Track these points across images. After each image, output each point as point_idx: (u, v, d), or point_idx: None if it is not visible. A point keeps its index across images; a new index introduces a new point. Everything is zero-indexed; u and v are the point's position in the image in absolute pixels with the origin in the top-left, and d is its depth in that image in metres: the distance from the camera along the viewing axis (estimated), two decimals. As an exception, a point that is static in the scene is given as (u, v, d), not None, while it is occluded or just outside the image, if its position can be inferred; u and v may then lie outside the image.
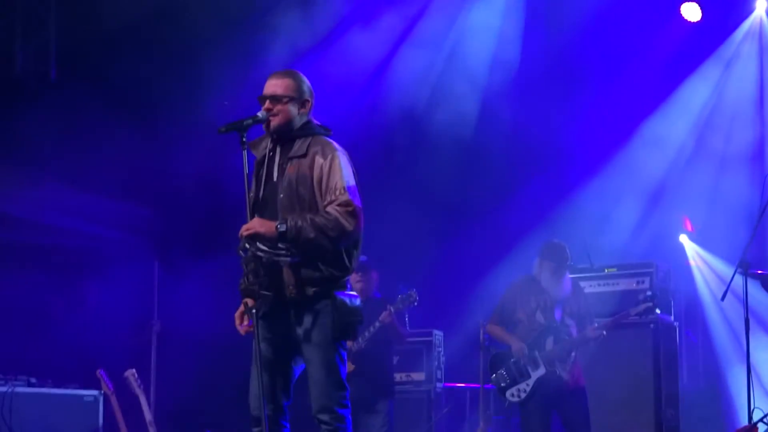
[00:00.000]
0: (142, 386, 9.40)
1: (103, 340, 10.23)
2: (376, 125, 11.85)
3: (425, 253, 12.42)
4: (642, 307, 8.78)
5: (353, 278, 9.05)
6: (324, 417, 5.64)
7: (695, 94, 12.28)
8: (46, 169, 10.48)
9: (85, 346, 10.15)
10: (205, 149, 9.86)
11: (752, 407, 8.55)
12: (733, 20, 12.01)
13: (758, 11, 11.93)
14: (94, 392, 9.56)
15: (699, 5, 11.54)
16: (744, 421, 8.91)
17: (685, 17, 11.64)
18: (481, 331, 9.69)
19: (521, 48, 11.96)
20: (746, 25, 12.05)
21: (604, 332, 8.51)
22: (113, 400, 9.28)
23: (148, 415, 9.29)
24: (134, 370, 9.41)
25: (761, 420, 8.67)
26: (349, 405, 5.75)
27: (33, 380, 9.44)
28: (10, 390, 9.12)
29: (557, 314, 8.59)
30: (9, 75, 10.18)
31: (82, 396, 9.58)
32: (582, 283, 9.42)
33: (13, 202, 10.43)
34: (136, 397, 9.32)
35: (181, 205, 10.62)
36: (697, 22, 11.64)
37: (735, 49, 12.15)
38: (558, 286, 8.63)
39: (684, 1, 11.59)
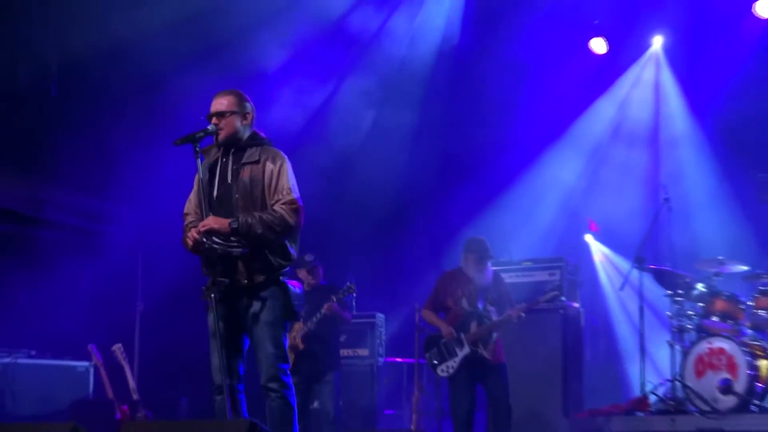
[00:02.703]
0: (126, 359, 9.94)
1: (93, 319, 10.54)
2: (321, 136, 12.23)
3: (371, 248, 12.82)
4: (549, 295, 9.03)
5: (304, 275, 9.75)
6: (273, 385, 5.97)
7: (602, 114, 12.91)
8: (49, 173, 10.69)
9: (78, 323, 10.41)
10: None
11: (644, 381, 9.46)
12: (634, 53, 12.67)
13: (655, 46, 12.62)
14: (86, 363, 10.21)
15: (606, 40, 12.29)
16: (637, 393, 9.75)
17: (593, 51, 12.44)
18: (417, 315, 10.04)
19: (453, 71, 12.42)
20: (645, 57, 12.71)
21: (523, 314, 8.76)
22: (102, 370, 9.90)
23: (131, 383, 9.87)
24: (120, 345, 9.99)
25: (651, 392, 9.50)
26: (291, 376, 6.08)
27: (33, 353, 10.02)
28: (12, 361, 9.75)
29: (480, 302, 8.87)
30: (14, 91, 10.43)
31: (75, 367, 10.20)
32: (503, 274, 9.62)
33: (18, 202, 10.75)
34: (122, 368, 9.91)
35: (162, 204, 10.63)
36: (604, 54, 12.42)
37: (636, 77, 12.79)
38: (481, 275, 8.89)
39: (592, 36, 12.33)
